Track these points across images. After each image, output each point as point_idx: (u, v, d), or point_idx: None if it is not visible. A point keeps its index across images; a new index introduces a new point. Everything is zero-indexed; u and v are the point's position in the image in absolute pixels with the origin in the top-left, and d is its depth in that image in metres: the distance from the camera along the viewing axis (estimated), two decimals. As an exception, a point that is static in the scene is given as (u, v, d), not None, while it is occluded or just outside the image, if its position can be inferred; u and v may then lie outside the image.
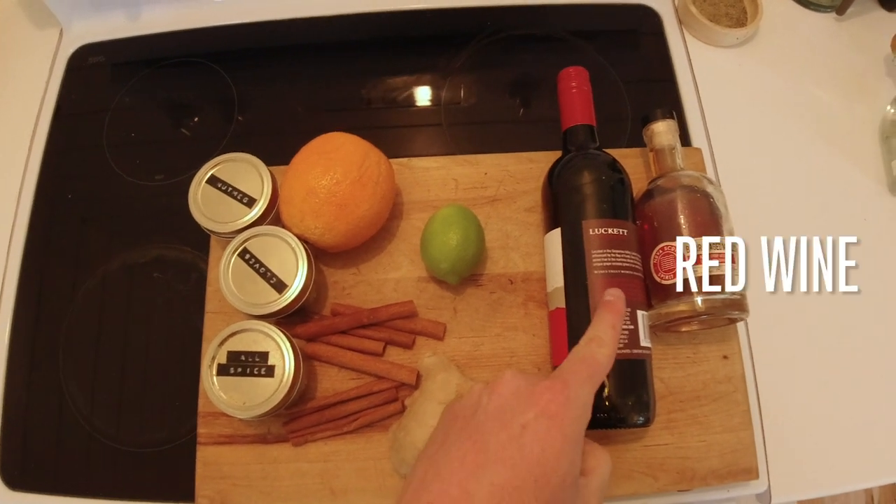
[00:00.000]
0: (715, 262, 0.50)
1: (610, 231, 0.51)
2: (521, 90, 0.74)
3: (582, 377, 0.33)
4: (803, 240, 0.65)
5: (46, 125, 0.72)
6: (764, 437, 0.59)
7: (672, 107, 0.65)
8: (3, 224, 0.67)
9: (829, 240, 0.65)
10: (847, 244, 0.61)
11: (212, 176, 0.55)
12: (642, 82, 0.71)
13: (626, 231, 0.51)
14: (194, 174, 0.55)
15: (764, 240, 0.59)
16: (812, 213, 0.67)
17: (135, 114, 0.73)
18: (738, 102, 0.71)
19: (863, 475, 0.60)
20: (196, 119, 0.73)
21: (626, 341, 0.48)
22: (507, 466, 0.29)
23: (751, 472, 0.54)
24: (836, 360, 0.62)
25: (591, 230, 0.51)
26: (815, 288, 0.64)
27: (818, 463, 0.59)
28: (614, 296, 0.41)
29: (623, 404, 0.48)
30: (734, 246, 0.52)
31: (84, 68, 0.76)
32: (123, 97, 0.74)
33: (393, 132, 0.70)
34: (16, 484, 0.59)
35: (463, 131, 0.69)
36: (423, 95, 0.72)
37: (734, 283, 0.51)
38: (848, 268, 0.64)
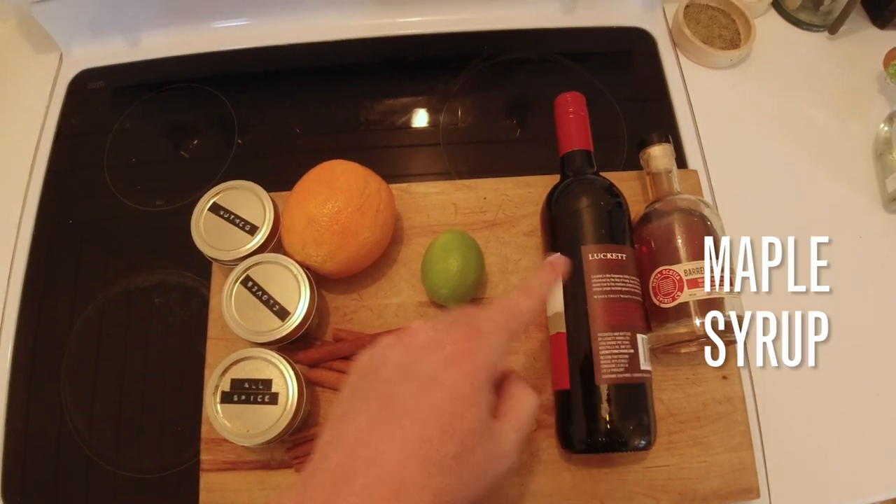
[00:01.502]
0: (713, 286, 0.51)
1: (609, 256, 0.51)
2: (517, 111, 0.74)
3: (498, 324, 0.33)
4: (801, 258, 0.66)
5: (47, 149, 0.73)
6: (764, 456, 0.59)
7: (667, 128, 0.66)
8: (5, 249, 0.68)
9: (826, 258, 0.66)
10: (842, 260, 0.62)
11: (214, 204, 0.56)
12: (638, 104, 0.72)
13: (624, 255, 0.52)
14: (195, 199, 0.56)
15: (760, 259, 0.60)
16: (808, 231, 0.67)
17: (135, 138, 0.74)
18: (732, 123, 0.72)
19: (864, 489, 0.60)
20: (196, 143, 0.74)
21: (627, 365, 0.49)
22: (414, 420, 0.28)
23: (751, 492, 0.54)
24: (834, 378, 0.62)
25: (590, 255, 0.51)
26: (812, 306, 0.65)
27: (819, 479, 0.60)
28: (560, 259, 0.41)
29: (624, 428, 0.48)
30: (731, 269, 0.53)
31: (84, 93, 0.77)
32: (124, 122, 0.74)
33: (391, 153, 0.71)
34: (16, 504, 0.58)
35: (461, 152, 0.70)
36: (421, 118, 0.73)
37: (732, 304, 0.51)
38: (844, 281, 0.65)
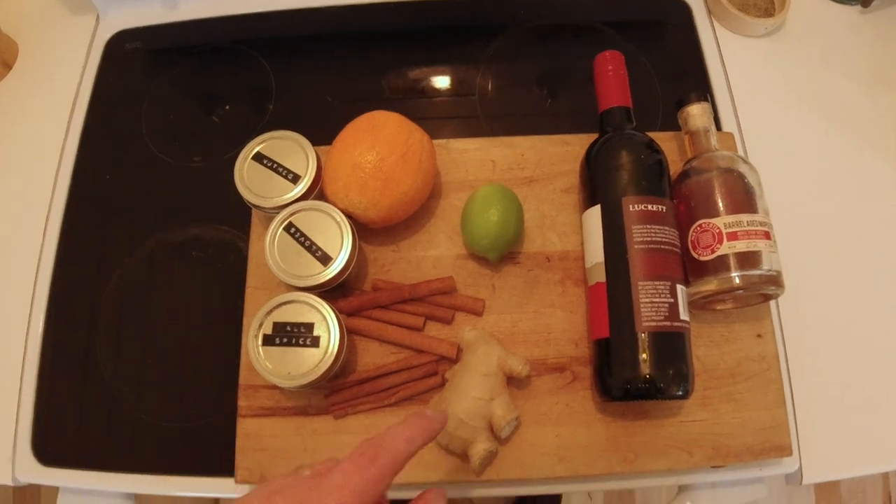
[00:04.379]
0: (751, 239, 0.51)
1: (649, 207, 0.52)
2: (554, 78, 0.74)
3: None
4: (833, 224, 0.66)
5: (84, 108, 0.73)
6: (795, 418, 0.59)
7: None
8: (41, 207, 0.69)
9: (857, 225, 0.67)
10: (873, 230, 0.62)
11: (257, 153, 0.56)
12: (673, 71, 0.72)
13: (664, 208, 0.52)
14: (233, 156, 0.56)
15: (793, 225, 0.60)
16: (839, 200, 0.68)
17: (173, 98, 0.74)
18: (766, 91, 0.72)
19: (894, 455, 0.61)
20: (233, 102, 0.74)
21: (667, 314, 0.49)
22: None
23: (784, 449, 0.54)
24: (865, 341, 0.63)
25: (630, 206, 0.52)
26: (846, 269, 0.65)
27: (849, 443, 0.60)
28: (436, 414, 0.38)
29: (664, 375, 0.48)
30: (769, 223, 0.53)
31: (121, 54, 0.77)
32: (161, 82, 0.75)
33: (427, 115, 0.71)
34: (49, 459, 0.60)
35: (498, 114, 0.70)
36: (456, 83, 0.73)
37: (770, 258, 0.51)
38: (875, 252, 0.65)
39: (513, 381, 0.54)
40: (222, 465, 0.56)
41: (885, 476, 1.44)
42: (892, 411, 0.61)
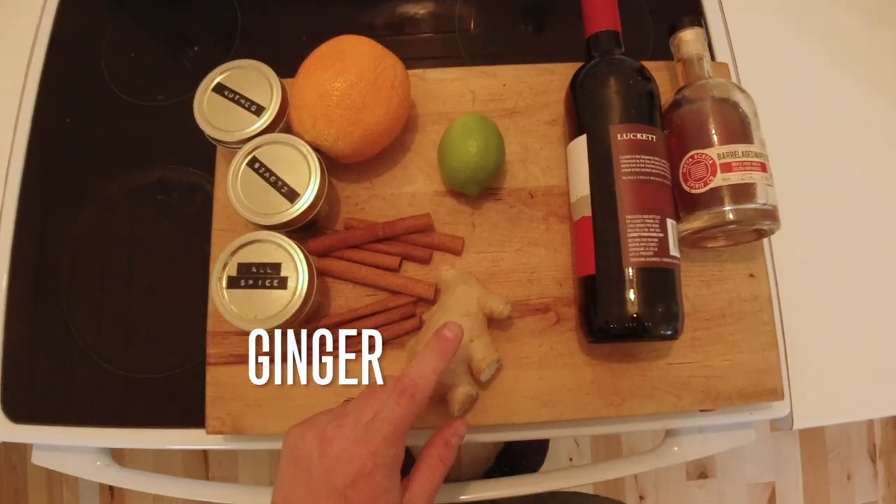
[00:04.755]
0: (746, 171, 0.48)
1: (638, 136, 0.48)
2: (538, 12, 0.70)
3: (390, 437, 0.39)
4: (828, 162, 0.64)
5: (43, 49, 0.68)
6: (787, 362, 0.58)
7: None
8: (1, 155, 0.64)
9: (854, 163, 0.64)
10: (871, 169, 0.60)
11: (218, 84, 0.52)
12: (664, -1, 0.68)
13: (654, 137, 0.49)
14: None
15: (787, 159, 0.57)
16: (836, 135, 0.65)
17: (134, 37, 0.69)
18: (762, 19, 0.68)
19: (887, 402, 0.60)
20: (198, 39, 0.70)
21: (656, 249, 0.46)
22: None
23: (776, 393, 0.52)
24: (860, 284, 0.61)
25: (619, 135, 0.48)
26: (840, 210, 0.62)
27: (840, 388, 0.59)
28: (452, 332, 0.43)
29: (652, 313, 0.46)
30: (765, 155, 0.50)
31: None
32: (122, 20, 0.70)
33: (404, 44, 0.67)
34: (20, 417, 0.57)
35: (481, 60, 0.66)
36: (435, 20, 0.68)
37: (766, 192, 0.48)
38: (872, 192, 0.63)
39: (494, 323, 0.52)
40: (196, 416, 0.54)
41: (870, 424, 1.45)
42: (884, 356, 0.60)
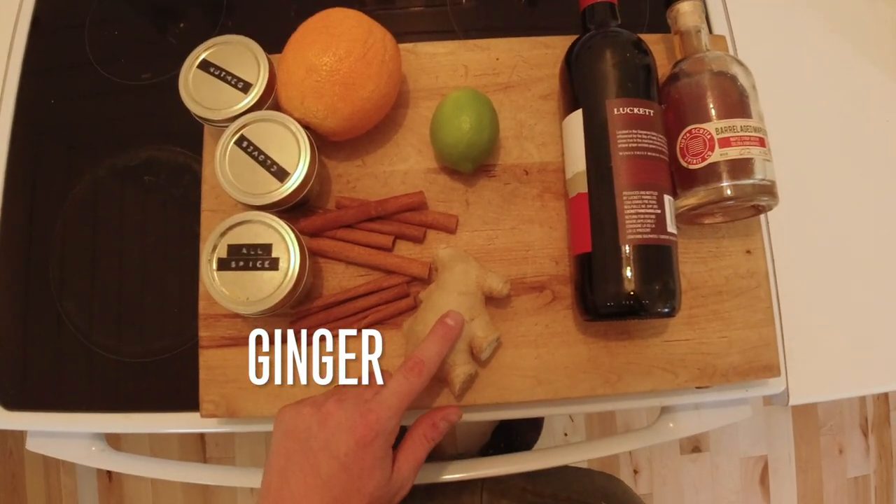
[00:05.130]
0: (745, 146, 0.47)
1: (635, 111, 0.47)
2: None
3: (394, 407, 0.42)
4: (825, 137, 0.63)
5: (25, 31, 0.66)
6: (783, 338, 0.57)
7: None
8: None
9: (852, 138, 0.63)
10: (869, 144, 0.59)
11: (203, 60, 0.51)
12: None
13: (652, 112, 0.48)
14: (184, 69, 0.51)
15: (784, 134, 0.56)
16: (834, 110, 0.64)
17: (117, 13, 0.67)
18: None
19: (881, 378, 0.59)
20: (183, 15, 0.68)
21: (653, 226, 0.46)
22: (337, 484, 0.40)
23: (772, 369, 0.52)
24: (856, 261, 0.61)
25: (615, 110, 0.47)
26: (838, 186, 0.62)
27: (836, 365, 0.59)
28: (452, 319, 0.46)
29: (649, 291, 0.45)
30: (764, 129, 0.49)
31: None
32: (104, -2, 0.68)
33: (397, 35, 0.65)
34: (13, 404, 0.57)
35: (470, 14, 0.65)
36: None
37: (764, 167, 0.48)
38: (869, 167, 0.62)
39: (491, 301, 0.51)
40: (188, 399, 0.53)
41: (862, 398, 1.47)
42: (879, 333, 0.60)
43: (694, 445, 1.42)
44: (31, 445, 0.58)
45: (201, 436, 1.40)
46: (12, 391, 0.57)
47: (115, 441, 0.61)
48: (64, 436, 0.59)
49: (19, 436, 1.38)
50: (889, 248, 0.61)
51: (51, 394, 0.57)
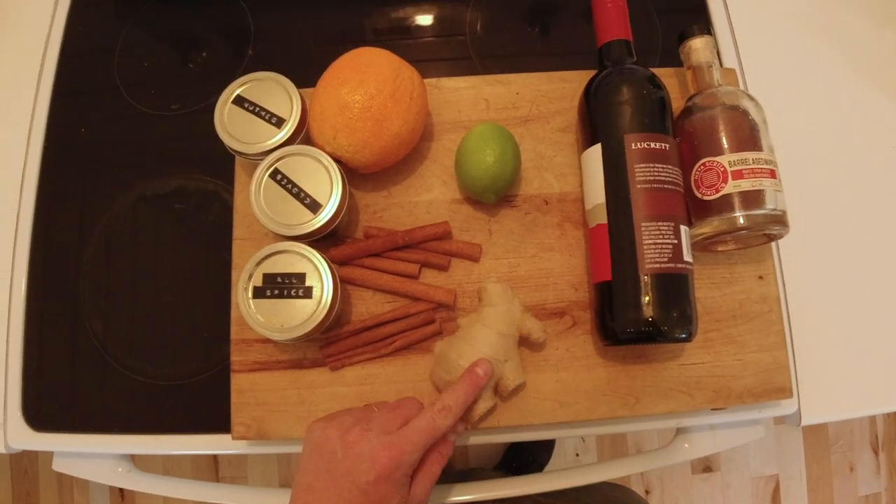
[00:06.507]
0: (757, 178, 0.49)
1: (652, 145, 0.50)
2: (546, 15, 0.71)
3: (418, 444, 0.43)
4: (834, 163, 0.65)
5: (54, 62, 0.69)
6: (794, 360, 0.59)
7: (704, 28, 0.63)
8: (15, 165, 0.65)
9: (861, 164, 0.65)
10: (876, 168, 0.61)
11: (238, 96, 0.53)
12: (671, 5, 0.69)
13: (667, 146, 0.50)
14: (213, 102, 0.53)
15: (794, 163, 0.58)
16: (842, 137, 0.66)
17: (146, 45, 0.70)
18: (768, 24, 0.69)
19: (891, 398, 0.61)
20: (210, 46, 0.70)
21: (671, 255, 0.48)
22: None
23: (785, 391, 0.54)
24: (864, 282, 0.62)
25: (633, 144, 0.49)
26: (847, 212, 0.64)
27: (846, 385, 0.60)
28: (482, 370, 0.48)
29: (668, 318, 0.47)
30: (774, 161, 0.51)
31: (90, 1, 0.72)
32: (133, 28, 0.71)
33: (416, 65, 0.68)
34: (41, 425, 0.59)
35: (490, 62, 0.67)
36: (445, 23, 0.69)
37: (775, 197, 0.50)
38: (877, 193, 0.64)
39: (525, 340, 0.53)
40: (217, 421, 0.55)
41: (873, 417, 1.47)
42: (888, 354, 0.61)
43: (705, 465, 1.43)
44: (58, 466, 0.60)
45: (214, 456, 1.41)
46: (41, 413, 0.59)
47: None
48: (91, 457, 0.60)
49: (34, 455, 1.40)
50: (894, 271, 0.63)
51: (79, 415, 0.59)
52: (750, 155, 0.50)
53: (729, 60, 0.66)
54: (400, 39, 0.69)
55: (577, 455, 1.41)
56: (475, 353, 0.48)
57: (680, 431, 0.61)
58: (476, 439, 0.56)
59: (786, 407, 0.58)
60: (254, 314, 0.48)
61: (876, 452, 1.46)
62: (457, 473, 1.35)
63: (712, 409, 0.56)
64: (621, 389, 0.53)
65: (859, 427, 1.46)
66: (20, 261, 0.62)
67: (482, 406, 0.49)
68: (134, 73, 0.69)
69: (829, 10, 0.71)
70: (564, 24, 0.70)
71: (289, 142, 0.52)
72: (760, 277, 0.56)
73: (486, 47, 0.68)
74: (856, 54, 0.69)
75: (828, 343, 0.60)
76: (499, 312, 0.50)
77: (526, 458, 1.32)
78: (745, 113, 0.52)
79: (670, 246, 0.48)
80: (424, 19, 0.70)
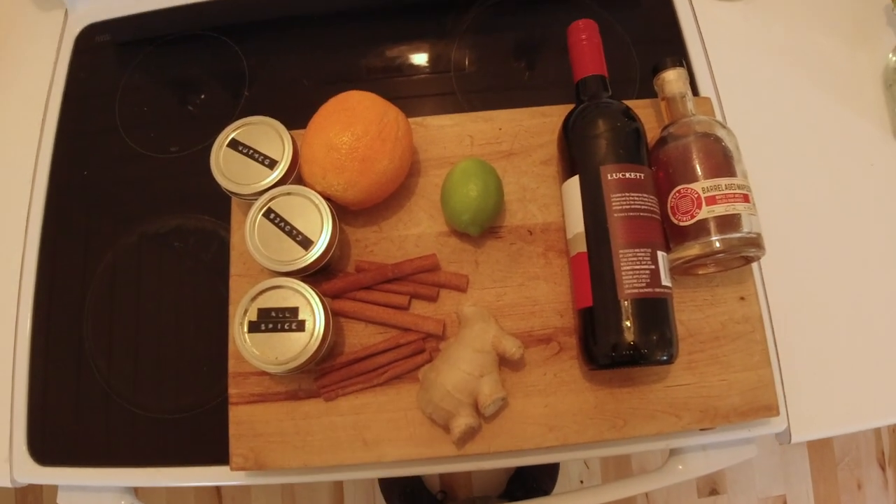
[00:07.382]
0: (730, 203, 0.51)
1: (627, 175, 0.52)
2: (528, 51, 0.74)
3: None
4: (813, 184, 0.67)
5: (57, 103, 0.72)
6: (782, 378, 0.60)
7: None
8: (20, 207, 0.68)
9: (838, 182, 0.67)
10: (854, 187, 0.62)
11: (232, 139, 0.56)
12: (648, 37, 0.71)
13: (642, 175, 0.52)
14: (209, 144, 0.56)
15: (773, 187, 0.60)
16: (819, 160, 0.68)
17: (146, 90, 0.73)
18: (743, 53, 0.71)
19: (882, 412, 0.61)
20: (207, 90, 0.73)
21: (649, 280, 0.49)
22: None
23: (772, 409, 0.55)
24: (847, 300, 0.63)
25: (609, 175, 0.52)
26: (827, 229, 0.65)
27: (835, 401, 0.61)
28: None
29: (648, 341, 0.49)
30: (748, 186, 0.53)
31: (91, 48, 0.76)
32: (133, 74, 0.74)
33: (404, 101, 0.70)
34: (46, 459, 0.60)
35: (474, 96, 0.69)
36: (431, 61, 0.72)
37: (750, 221, 0.52)
38: (856, 209, 0.66)
39: (506, 363, 0.54)
40: (217, 453, 0.57)
41: (878, 432, 1.46)
42: (875, 367, 0.62)
43: (711, 488, 1.42)
44: (62, 499, 0.61)
45: (217, 488, 1.41)
46: (45, 447, 0.60)
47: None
48: (95, 490, 0.61)
49: (39, 489, 1.40)
50: (876, 287, 0.64)
51: (82, 449, 0.60)
52: (723, 181, 0.52)
53: (705, 89, 0.69)
54: (387, 78, 0.72)
55: (582, 482, 1.41)
56: (451, 370, 0.50)
57: (673, 453, 0.62)
58: (467, 466, 0.57)
59: (775, 425, 0.59)
60: (249, 348, 0.50)
61: (883, 468, 1.45)
62: (462, 502, 1.36)
63: (700, 430, 0.57)
64: (609, 412, 0.54)
65: (865, 443, 1.45)
66: (25, 298, 0.64)
67: (462, 422, 0.50)
68: (134, 116, 0.72)
69: (802, 33, 0.73)
70: (545, 60, 0.72)
71: (281, 182, 0.54)
72: (742, 298, 0.57)
73: (469, 83, 0.71)
74: (831, 76, 0.71)
75: (815, 360, 0.61)
76: (474, 332, 0.52)
77: (530, 485, 1.32)
78: (718, 140, 0.54)
79: (648, 271, 0.50)
80: (412, 58, 0.73)
